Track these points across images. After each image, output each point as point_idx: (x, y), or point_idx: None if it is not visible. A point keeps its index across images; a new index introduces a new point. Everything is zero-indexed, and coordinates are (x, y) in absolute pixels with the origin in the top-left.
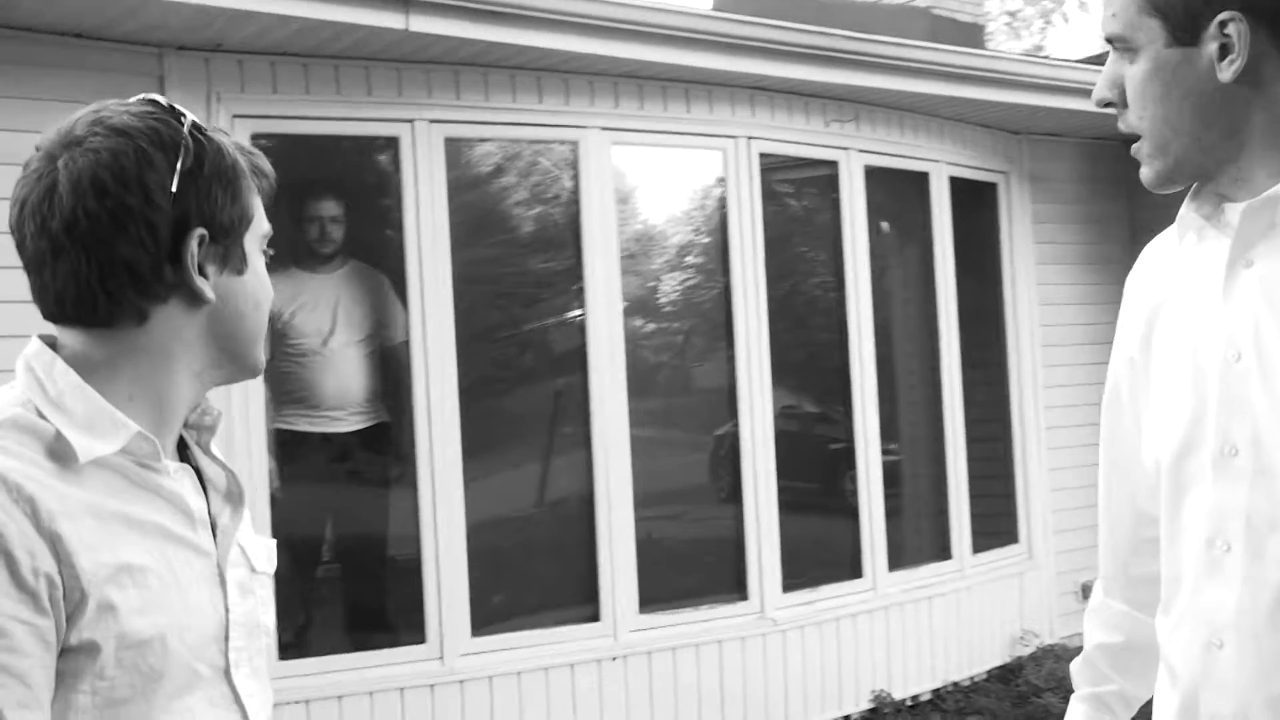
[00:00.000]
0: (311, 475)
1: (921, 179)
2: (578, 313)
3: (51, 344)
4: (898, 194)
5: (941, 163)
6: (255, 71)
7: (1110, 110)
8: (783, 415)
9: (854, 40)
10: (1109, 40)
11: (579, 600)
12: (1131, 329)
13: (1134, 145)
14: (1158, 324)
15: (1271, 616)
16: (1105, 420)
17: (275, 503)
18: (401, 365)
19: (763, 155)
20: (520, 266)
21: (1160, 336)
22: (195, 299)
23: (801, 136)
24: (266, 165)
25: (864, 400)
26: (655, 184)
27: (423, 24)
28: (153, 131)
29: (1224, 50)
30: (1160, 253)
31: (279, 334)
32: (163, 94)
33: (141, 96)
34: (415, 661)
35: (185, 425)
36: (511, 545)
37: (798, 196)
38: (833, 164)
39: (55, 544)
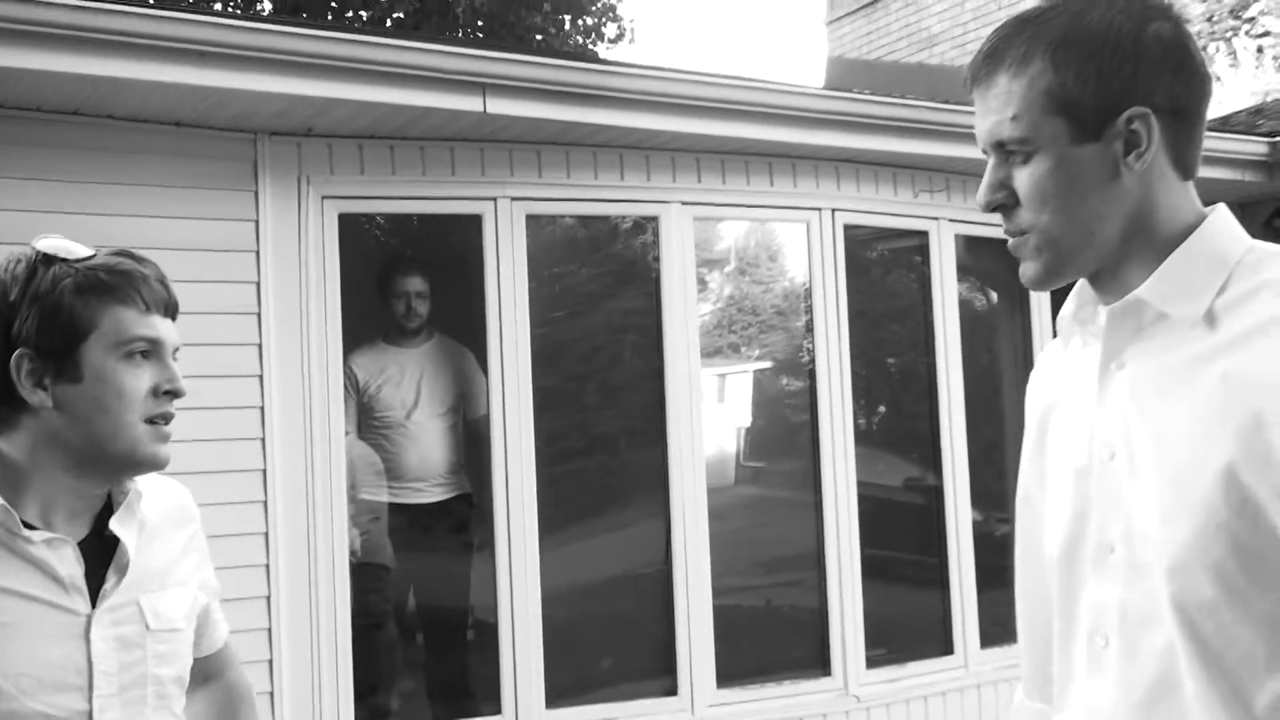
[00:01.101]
0: (394, 545)
1: None
2: (656, 384)
3: None
4: (992, 262)
5: None
6: (344, 154)
7: (996, 214)
8: (871, 487)
9: (939, 111)
10: (1000, 145)
11: (656, 673)
12: (1030, 432)
13: (1012, 243)
14: (1049, 426)
15: (1143, 711)
16: (1019, 522)
17: (356, 571)
18: (483, 437)
19: (848, 227)
20: (600, 340)
21: (1051, 438)
22: (35, 408)
23: (888, 207)
24: (122, 281)
25: (954, 470)
26: (738, 256)
27: (500, 106)
28: (2, 274)
29: (1128, 145)
30: (1054, 356)
31: (365, 407)
32: (255, 178)
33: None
34: None
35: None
36: (588, 616)
37: (887, 267)
38: (923, 234)
39: None
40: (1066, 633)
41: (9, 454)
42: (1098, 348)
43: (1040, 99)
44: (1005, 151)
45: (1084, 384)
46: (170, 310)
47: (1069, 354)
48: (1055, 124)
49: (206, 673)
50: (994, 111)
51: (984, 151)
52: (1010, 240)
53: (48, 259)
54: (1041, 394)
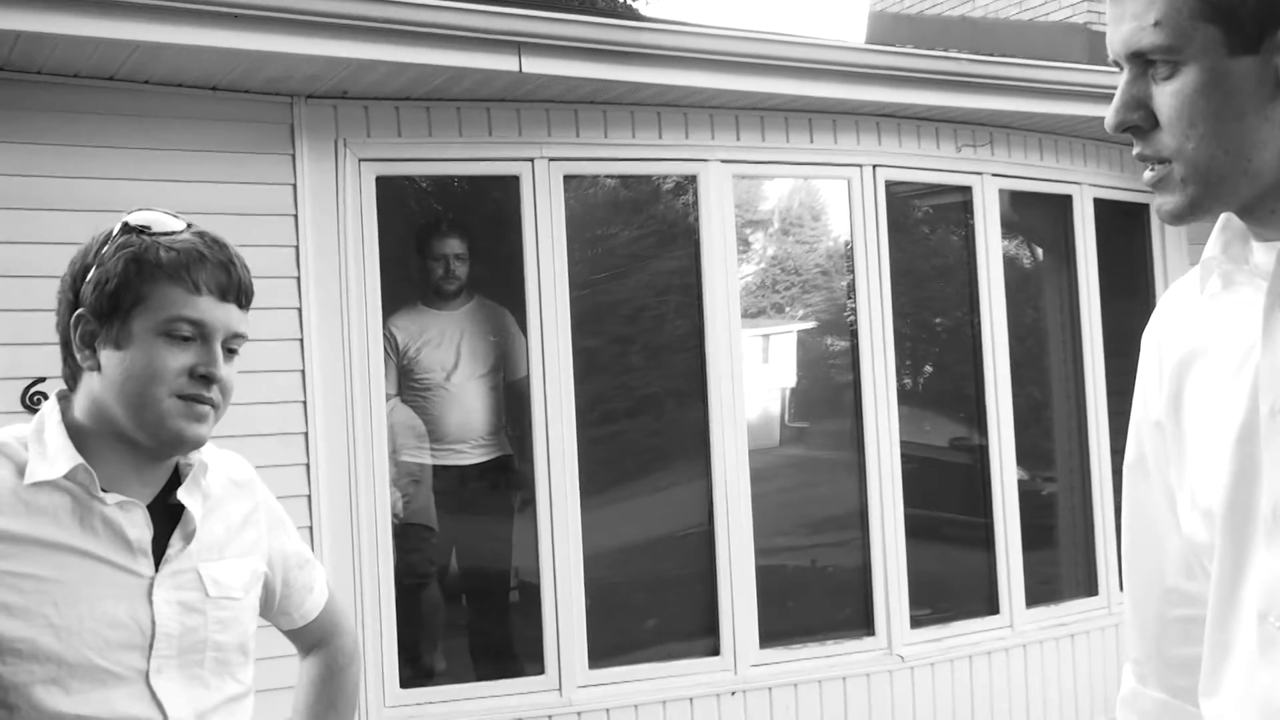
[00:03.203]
0: (436, 506)
1: (1064, 201)
2: (697, 344)
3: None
4: (1038, 218)
5: (1085, 184)
6: (380, 116)
7: (1127, 134)
8: (917, 446)
9: (982, 63)
10: (1138, 55)
11: (698, 633)
12: (1155, 388)
13: (1152, 172)
14: (1188, 381)
15: None
16: (1129, 489)
17: (399, 533)
18: (524, 399)
19: (889, 183)
20: (642, 301)
21: (1192, 394)
22: (88, 366)
23: (931, 162)
24: (176, 260)
25: (999, 429)
26: (781, 216)
27: (535, 65)
28: (90, 241)
29: None
30: (1181, 302)
31: (405, 369)
32: (292, 142)
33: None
34: (533, 693)
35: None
36: (631, 577)
37: (930, 223)
38: (966, 189)
39: None
40: (1225, 612)
41: (78, 417)
42: (1251, 289)
43: (1190, 1)
44: (1144, 63)
45: (1237, 331)
46: (231, 295)
47: (1205, 297)
48: (1208, 31)
49: (309, 641)
50: (1132, 16)
51: (1116, 63)
52: (1147, 171)
53: (128, 228)
54: (1173, 344)
